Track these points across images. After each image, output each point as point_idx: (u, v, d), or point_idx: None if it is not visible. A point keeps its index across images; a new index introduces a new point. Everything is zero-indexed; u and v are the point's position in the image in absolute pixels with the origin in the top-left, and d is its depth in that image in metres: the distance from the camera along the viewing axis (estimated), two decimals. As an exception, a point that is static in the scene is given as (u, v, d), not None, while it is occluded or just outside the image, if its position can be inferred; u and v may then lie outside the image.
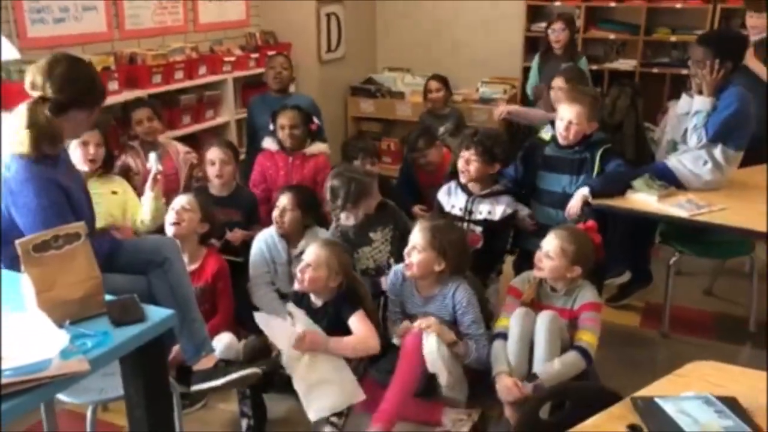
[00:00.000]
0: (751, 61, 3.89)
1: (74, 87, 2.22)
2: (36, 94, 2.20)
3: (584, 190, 3.11)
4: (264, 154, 3.91)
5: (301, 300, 2.83)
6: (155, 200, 3.05)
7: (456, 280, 2.81)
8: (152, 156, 3.07)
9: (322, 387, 2.54)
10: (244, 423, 2.67)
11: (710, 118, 3.17)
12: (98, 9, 4.11)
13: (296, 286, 2.79)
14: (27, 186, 2.19)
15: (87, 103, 2.28)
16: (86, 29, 4.03)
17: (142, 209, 3.11)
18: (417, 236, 2.77)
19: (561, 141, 3.25)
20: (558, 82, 4.12)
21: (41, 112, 2.16)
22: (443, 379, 2.66)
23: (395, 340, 2.80)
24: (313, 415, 2.52)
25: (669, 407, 1.57)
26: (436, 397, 2.75)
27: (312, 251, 2.75)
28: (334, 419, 2.54)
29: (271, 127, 3.88)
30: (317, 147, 3.89)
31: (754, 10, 4.16)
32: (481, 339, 2.73)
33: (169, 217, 3.02)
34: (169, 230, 2.99)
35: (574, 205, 3.12)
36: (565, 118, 3.20)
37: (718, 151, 3.24)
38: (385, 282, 3.02)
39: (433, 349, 2.62)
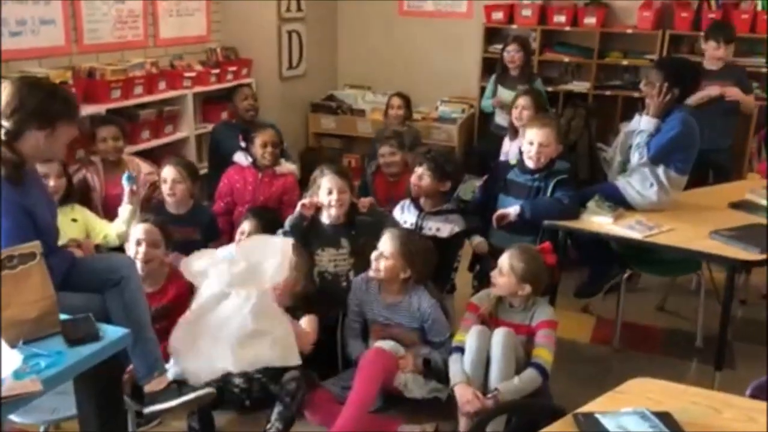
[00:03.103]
0: (731, 90, 4.10)
1: (20, 112, 2.20)
2: None
3: (515, 209, 3.25)
4: (234, 167, 3.93)
5: None
6: (132, 213, 3.15)
7: (418, 289, 2.92)
8: (125, 177, 3.16)
9: (258, 339, 2.51)
10: (193, 438, 2.67)
11: (653, 139, 3.31)
12: (56, 22, 4.09)
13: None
14: None
15: (41, 124, 2.22)
16: (44, 43, 4.01)
17: (118, 220, 3.17)
18: (387, 243, 2.86)
19: (531, 164, 3.34)
20: (522, 101, 4.21)
21: None
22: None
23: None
24: (235, 367, 2.51)
25: (608, 422, 1.65)
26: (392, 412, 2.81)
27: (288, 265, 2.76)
28: None
29: (243, 144, 3.90)
30: (287, 167, 3.92)
31: (714, 40, 4.37)
32: (443, 346, 2.85)
33: (137, 254, 2.94)
34: (139, 266, 2.86)
35: (498, 215, 3.26)
36: (536, 141, 3.31)
37: (661, 172, 3.36)
38: None
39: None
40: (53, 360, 1.73)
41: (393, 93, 5.11)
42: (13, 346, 1.71)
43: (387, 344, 2.87)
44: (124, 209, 3.19)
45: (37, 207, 2.33)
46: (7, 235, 2.18)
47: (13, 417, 2.06)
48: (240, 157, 3.91)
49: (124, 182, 3.16)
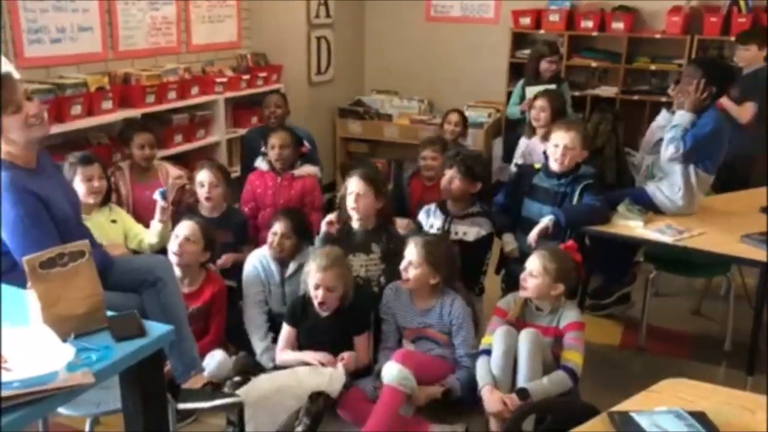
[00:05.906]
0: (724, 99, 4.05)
1: None
2: None
3: (548, 220, 3.20)
4: (255, 173, 3.99)
5: (305, 310, 2.95)
6: (164, 228, 3.23)
7: (451, 294, 2.96)
8: (158, 193, 3.22)
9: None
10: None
11: (689, 133, 3.30)
12: (94, 29, 4.19)
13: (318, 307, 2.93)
14: (4, 197, 2.24)
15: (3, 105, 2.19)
16: (82, 49, 4.12)
17: (150, 232, 3.26)
18: (413, 251, 2.90)
19: (556, 167, 3.34)
20: (540, 102, 4.20)
21: None
22: None
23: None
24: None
25: (643, 421, 1.67)
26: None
27: (329, 274, 2.87)
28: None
29: (263, 148, 3.97)
30: (306, 169, 3.95)
31: (741, 44, 4.51)
32: (470, 359, 2.86)
33: (172, 246, 3.07)
34: (172, 258, 3.02)
35: (534, 233, 3.19)
36: (561, 144, 3.31)
37: (691, 171, 3.37)
38: None
39: None
40: (102, 354, 1.79)
41: (450, 109, 4.91)
42: (64, 340, 1.78)
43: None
44: (155, 225, 3.26)
45: (51, 194, 2.35)
46: (22, 225, 2.21)
47: (61, 409, 2.13)
48: (260, 162, 3.96)
49: (157, 197, 3.22)
